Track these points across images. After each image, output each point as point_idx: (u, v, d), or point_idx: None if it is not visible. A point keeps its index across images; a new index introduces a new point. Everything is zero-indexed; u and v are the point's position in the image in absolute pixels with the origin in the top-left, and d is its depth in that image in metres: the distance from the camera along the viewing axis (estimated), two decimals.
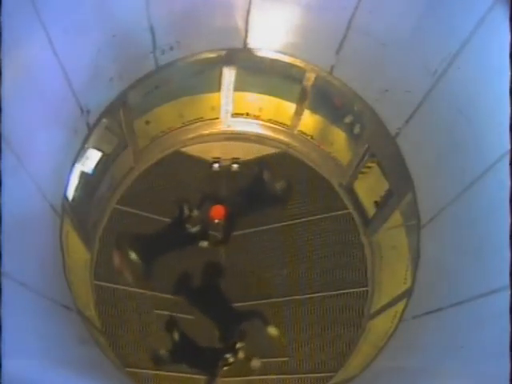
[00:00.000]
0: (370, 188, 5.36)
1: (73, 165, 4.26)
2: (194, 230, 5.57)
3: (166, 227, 5.58)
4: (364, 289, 5.48)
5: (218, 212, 5.46)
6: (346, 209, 5.74)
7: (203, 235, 5.63)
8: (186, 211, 5.47)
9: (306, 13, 4.09)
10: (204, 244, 5.63)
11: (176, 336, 5.24)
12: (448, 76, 3.45)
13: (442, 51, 3.39)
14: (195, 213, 5.52)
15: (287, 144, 5.91)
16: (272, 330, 5.35)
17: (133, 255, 5.36)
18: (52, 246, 3.94)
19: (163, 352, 5.21)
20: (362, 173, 5.35)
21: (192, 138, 5.84)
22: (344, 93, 4.79)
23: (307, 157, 5.87)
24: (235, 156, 6.07)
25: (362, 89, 4.58)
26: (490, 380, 2.58)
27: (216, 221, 5.51)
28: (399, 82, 4.02)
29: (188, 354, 5.26)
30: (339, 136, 5.41)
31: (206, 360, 5.30)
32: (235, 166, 6.07)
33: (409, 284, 4.39)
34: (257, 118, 5.79)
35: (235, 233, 5.92)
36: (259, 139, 5.94)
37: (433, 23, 3.38)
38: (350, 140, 5.30)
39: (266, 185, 5.71)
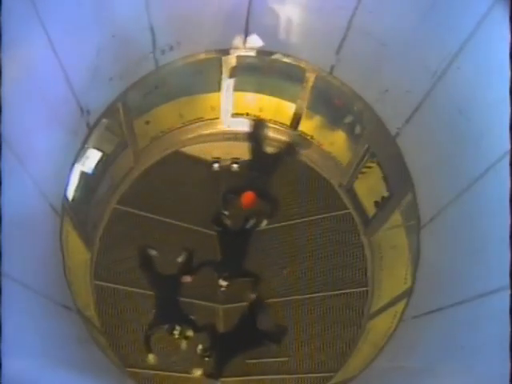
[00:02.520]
0: (370, 188, 5.36)
1: (73, 165, 4.26)
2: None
3: None
4: (364, 289, 5.47)
5: (248, 199, 5.23)
6: (346, 209, 5.73)
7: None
8: None
9: (306, 13, 4.10)
10: None
11: None
12: (448, 76, 3.45)
13: (442, 51, 3.39)
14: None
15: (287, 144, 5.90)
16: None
17: None
18: (52, 246, 3.94)
19: None
20: (362, 173, 5.35)
21: (192, 138, 5.84)
22: (344, 93, 4.79)
23: (307, 157, 5.87)
24: (235, 156, 6.07)
25: (362, 89, 4.58)
26: (490, 380, 2.58)
27: (245, 207, 5.24)
28: (399, 82, 4.02)
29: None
30: (339, 136, 5.41)
31: None
32: (235, 165, 6.08)
33: (409, 284, 4.39)
34: (257, 118, 5.79)
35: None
36: None
37: (433, 23, 3.38)
38: (350, 140, 5.30)
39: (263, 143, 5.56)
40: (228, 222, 5.51)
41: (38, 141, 3.47)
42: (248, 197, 5.24)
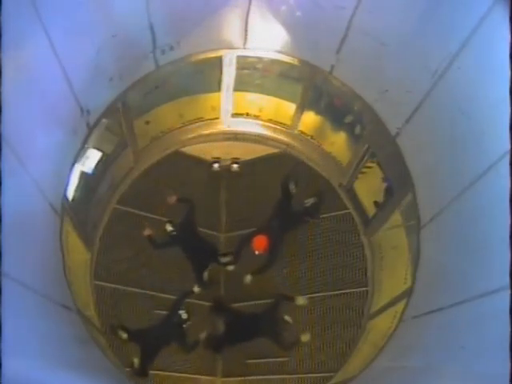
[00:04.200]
0: (369, 188, 5.36)
1: (73, 165, 4.26)
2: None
3: None
4: (364, 289, 5.47)
5: (260, 243, 5.33)
6: (346, 209, 5.73)
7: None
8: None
9: (306, 13, 4.09)
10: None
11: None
12: (448, 76, 3.45)
13: (442, 51, 3.39)
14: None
15: (287, 144, 5.90)
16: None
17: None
18: (52, 246, 3.94)
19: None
20: (362, 173, 5.35)
21: (192, 138, 5.84)
22: (344, 93, 4.79)
23: (307, 157, 5.86)
24: (235, 156, 6.08)
25: (362, 89, 4.58)
26: (490, 380, 2.58)
27: (257, 253, 5.38)
28: (399, 82, 4.02)
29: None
30: (339, 136, 5.41)
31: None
32: (235, 165, 6.08)
33: (409, 284, 4.39)
34: (257, 118, 5.78)
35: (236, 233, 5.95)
36: (259, 139, 5.94)
37: (433, 23, 3.38)
38: (350, 140, 5.30)
39: (292, 200, 5.60)
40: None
41: (38, 141, 3.47)
42: (260, 241, 5.32)
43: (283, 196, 5.57)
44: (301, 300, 5.43)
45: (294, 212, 5.59)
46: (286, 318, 5.36)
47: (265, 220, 5.53)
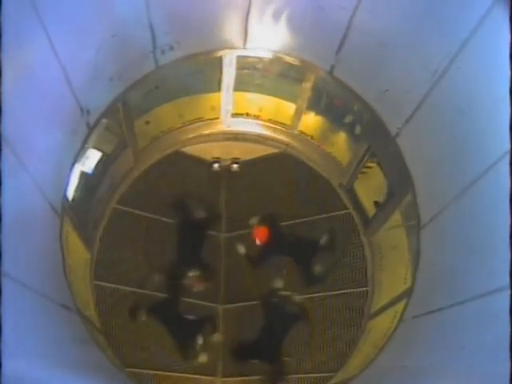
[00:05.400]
0: (369, 188, 5.36)
1: (73, 165, 4.26)
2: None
3: None
4: (364, 289, 5.47)
5: (261, 233, 5.55)
6: (346, 209, 5.73)
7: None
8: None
9: (306, 13, 4.09)
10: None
11: None
12: (448, 76, 3.45)
13: (442, 51, 3.39)
14: None
15: (287, 144, 5.90)
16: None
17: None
18: (52, 246, 3.94)
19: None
20: (362, 173, 5.35)
21: (192, 138, 5.84)
22: (344, 93, 4.79)
23: (307, 157, 5.86)
24: (235, 156, 6.08)
25: (362, 89, 4.58)
26: (490, 380, 2.58)
27: (258, 242, 5.61)
28: (399, 82, 4.02)
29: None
30: (339, 136, 5.41)
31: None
32: (235, 165, 6.08)
33: (409, 284, 4.39)
34: (257, 118, 5.78)
35: (235, 233, 5.95)
36: (259, 139, 5.94)
37: (433, 23, 3.37)
38: (350, 140, 5.30)
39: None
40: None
41: (38, 141, 3.46)
42: (261, 231, 5.55)
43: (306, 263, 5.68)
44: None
45: (312, 270, 5.66)
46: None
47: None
